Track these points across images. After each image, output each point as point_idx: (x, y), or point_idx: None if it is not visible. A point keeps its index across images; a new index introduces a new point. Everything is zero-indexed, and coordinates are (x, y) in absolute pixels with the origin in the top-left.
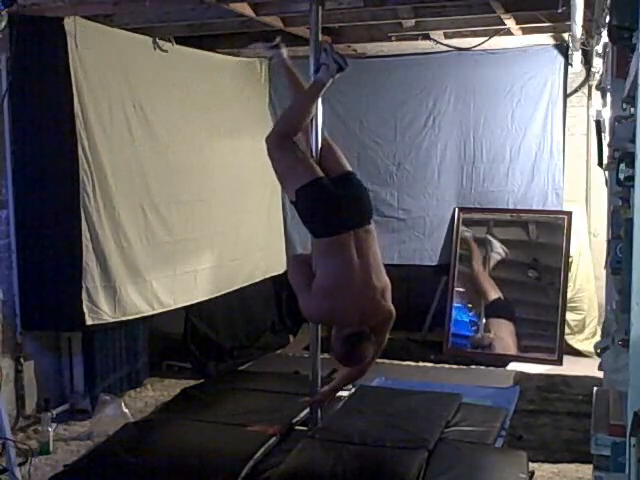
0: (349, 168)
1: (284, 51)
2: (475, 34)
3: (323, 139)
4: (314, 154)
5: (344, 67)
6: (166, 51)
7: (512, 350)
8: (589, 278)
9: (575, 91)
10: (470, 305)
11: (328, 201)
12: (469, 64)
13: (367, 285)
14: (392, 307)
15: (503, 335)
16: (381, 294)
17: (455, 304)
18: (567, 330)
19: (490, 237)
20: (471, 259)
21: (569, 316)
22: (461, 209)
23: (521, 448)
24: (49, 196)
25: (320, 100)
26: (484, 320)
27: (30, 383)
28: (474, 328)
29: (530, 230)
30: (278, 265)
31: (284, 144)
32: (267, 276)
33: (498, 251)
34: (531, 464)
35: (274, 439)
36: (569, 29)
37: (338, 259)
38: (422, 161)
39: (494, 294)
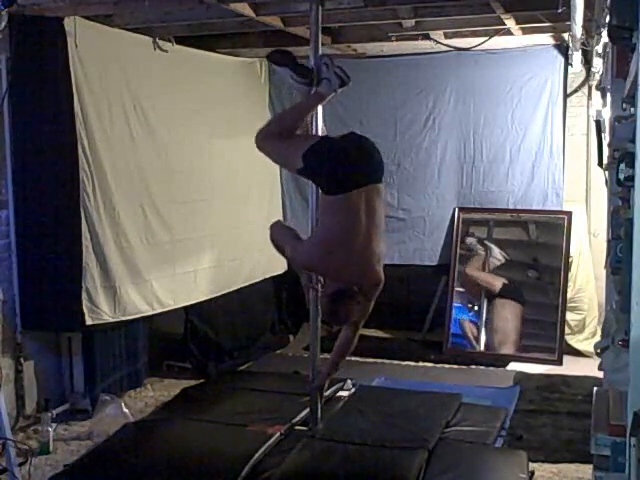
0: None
1: (313, 89)
2: (475, 34)
3: None
4: None
5: (347, 82)
6: (166, 51)
7: (512, 335)
8: (589, 278)
9: (575, 91)
10: (470, 305)
11: (339, 153)
12: (469, 64)
13: (368, 247)
14: (382, 275)
15: (508, 316)
16: (377, 259)
17: (455, 304)
18: (567, 330)
19: (489, 243)
20: (467, 263)
21: (569, 316)
22: (461, 209)
23: (521, 448)
24: (49, 196)
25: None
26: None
27: (30, 383)
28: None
29: (530, 230)
30: (278, 265)
31: (274, 136)
32: (267, 276)
33: (497, 257)
34: (531, 464)
35: (275, 437)
36: (569, 29)
37: (346, 216)
38: (422, 161)
39: (498, 282)
